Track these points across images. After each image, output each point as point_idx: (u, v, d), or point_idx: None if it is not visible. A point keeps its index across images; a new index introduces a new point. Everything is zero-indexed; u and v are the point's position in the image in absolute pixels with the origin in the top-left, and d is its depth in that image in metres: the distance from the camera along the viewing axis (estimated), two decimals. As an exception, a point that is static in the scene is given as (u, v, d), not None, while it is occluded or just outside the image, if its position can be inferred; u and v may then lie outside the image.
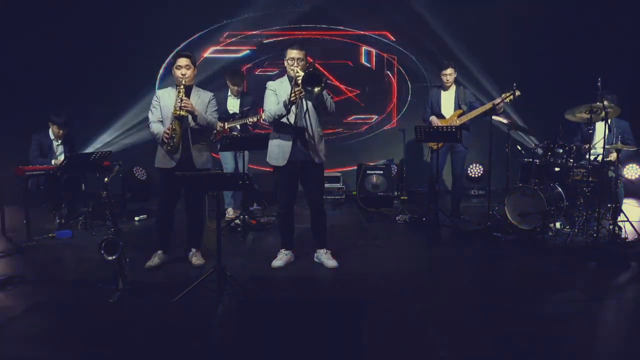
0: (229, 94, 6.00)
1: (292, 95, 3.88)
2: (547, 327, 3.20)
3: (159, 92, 4.27)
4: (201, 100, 4.23)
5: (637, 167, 7.46)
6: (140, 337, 3.09)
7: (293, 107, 3.97)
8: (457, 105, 5.74)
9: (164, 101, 4.18)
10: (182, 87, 4.05)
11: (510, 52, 7.62)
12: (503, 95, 5.38)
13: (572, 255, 4.50)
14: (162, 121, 4.18)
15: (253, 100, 6.04)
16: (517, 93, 5.34)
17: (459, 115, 5.68)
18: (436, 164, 5.69)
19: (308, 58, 4.12)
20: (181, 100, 4.01)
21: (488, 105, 5.48)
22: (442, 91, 5.86)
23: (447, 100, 5.82)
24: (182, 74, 4.08)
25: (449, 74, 5.75)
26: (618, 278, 4.17)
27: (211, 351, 2.92)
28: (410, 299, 3.66)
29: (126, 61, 7.45)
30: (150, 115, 4.24)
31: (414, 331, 3.18)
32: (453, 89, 5.81)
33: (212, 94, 4.36)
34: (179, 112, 4.01)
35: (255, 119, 5.69)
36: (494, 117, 5.40)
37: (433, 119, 5.80)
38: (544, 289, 3.92)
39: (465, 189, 7.72)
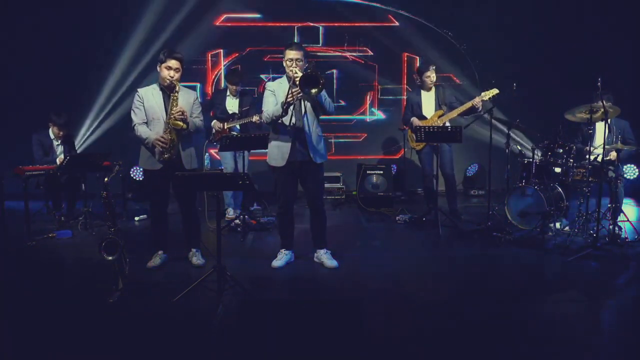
0: (228, 93, 6.00)
1: (289, 96, 3.88)
2: (547, 327, 3.20)
3: (142, 92, 4.10)
4: (186, 101, 4.13)
5: (635, 167, 7.46)
6: (141, 337, 3.09)
7: (291, 108, 3.97)
8: (438, 106, 5.75)
9: (148, 102, 4.07)
10: (176, 94, 3.98)
11: (510, 52, 7.62)
12: (482, 94, 5.41)
13: (572, 255, 4.50)
14: (146, 122, 4.08)
15: (252, 99, 6.04)
16: (496, 91, 5.40)
17: (440, 116, 5.68)
18: (430, 165, 5.71)
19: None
20: (182, 112, 3.96)
21: (468, 105, 5.51)
22: (422, 92, 5.86)
23: (428, 101, 5.82)
24: (170, 76, 3.99)
25: (431, 75, 5.76)
26: (618, 278, 4.16)
27: (211, 351, 2.92)
28: (411, 299, 3.67)
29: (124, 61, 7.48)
30: (134, 117, 4.09)
31: (413, 331, 3.18)
32: (433, 89, 5.82)
33: (196, 93, 4.31)
34: (181, 125, 3.96)
35: (257, 118, 5.68)
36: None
37: (414, 120, 5.79)
38: (544, 289, 3.92)
39: (465, 189, 7.74)
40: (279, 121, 4.04)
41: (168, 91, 4.06)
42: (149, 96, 4.09)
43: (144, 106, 4.07)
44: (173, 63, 4.00)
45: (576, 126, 5.57)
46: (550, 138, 5.27)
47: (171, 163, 4.06)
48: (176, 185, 4.05)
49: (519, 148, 5.59)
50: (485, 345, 2.99)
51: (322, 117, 4.20)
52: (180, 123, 3.97)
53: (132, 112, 4.13)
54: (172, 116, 3.97)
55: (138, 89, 4.15)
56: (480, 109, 5.48)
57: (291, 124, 4.02)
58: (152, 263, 4.25)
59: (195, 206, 4.38)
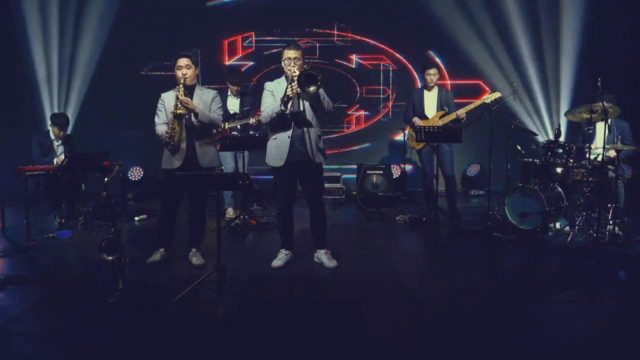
0: (229, 93, 6.00)
1: (289, 90, 3.89)
2: (547, 327, 3.20)
3: (164, 95, 4.25)
4: (203, 100, 4.21)
5: (628, 167, 7.42)
6: (140, 337, 3.09)
7: (290, 105, 3.96)
8: (440, 106, 5.76)
9: (169, 103, 4.16)
10: (181, 86, 4.05)
11: (510, 52, 7.63)
12: (485, 97, 5.46)
13: (572, 255, 4.50)
14: (167, 123, 4.18)
15: (253, 100, 6.04)
16: (499, 95, 5.49)
17: (441, 116, 5.69)
18: (430, 165, 5.71)
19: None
20: (177, 98, 4.01)
21: (452, 115, 5.55)
22: (425, 92, 5.87)
23: (430, 101, 5.83)
24: (182, 74, 4.08)
25: (433, 74, 5.77)
26: (618, 278, 4.16)
27: (211, 351, 2.92)
28: (410, 299, 3.66)
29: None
30: (156, 119, 4.24)
31: (413, 331, 3.18)
32: (435, 90, 5.83)
33: (216, 91, 4.35)
34: (176, 111, 4.01)
35: (255, 120, 5.68)
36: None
37: (416, 119, 5.80)
38: (544, 289, 3.92)
39: (465, 189, 7.74)
40: (278, 121, 4.04)
41: (187, 91, 4.12)
42: (170, 98, 4.19)
43: (164, 108, 4.19)
44: (182, 61, 4.12)
45: (576, 126, 5.57)
46: (550, 138, 5.27)
47: (188, 161, 4.12)
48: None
49: (519, 147, 5.58)
50: (485, 345, 2.99)
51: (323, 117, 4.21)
52: (176, 110, 4.00)
53: (155, 115, 4.25)
54: (174, 105, 4.03)
55: (162, 93, 4.27)
56: (464, 120, 5.55)
57: (290, 124, 4.03)
58: (152, 259, 4.28)
59: (205, 207, 4.40)
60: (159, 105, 4.24)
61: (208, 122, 4.17)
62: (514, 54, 7.62)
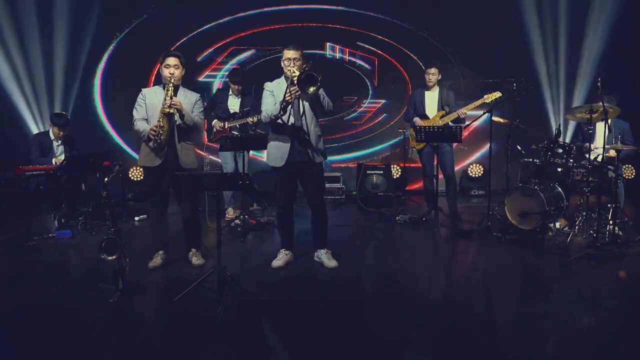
0: (230, 92, 6.01)
1: (288, 94, 3.89)
2: (547, 327, 3.20)
3: (145, 91, 4.22)
4: (188, 100, 4.20)
5: (632, 167, 7.44)
6: (140, 337, 3.09)
7: (290, 107, 3.96)
8: (441, 106, 5.75)
9: (150, 99, 4.15)
10: (171, 85, 4.04)
11: (510, 52, 7.63)
12: (485, 97, 5.46)
13: (572, 255, 4.50)
14: (147, 119, 4.15)
15: (254, 100, 6.04)
16: (499, 94, 5.47)
17: (442, 116, 5.69)
18: (430, 165, 5.71)
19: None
20: (171, 97, 4.00)
21: (454, 115, 5.56)
22: (425, 91, 5.86)
23: (431, 101, 5.82)
24: (170, 73, 4.06)
25: (432, 74, 5.76)
26: (618, 278, 4.16)
27: (211, 351, 2.92)
28: (410, 299, 3.66)
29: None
30: (135, 113, 4.20)
31: (413, 331, 3.17)
32: (436, 89, 5.82)
33: (199, 95, 4.34)
34: (167, 110, 4.00)
35: (255, 119, 5.69)
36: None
37: (417, 120, 5.80)
38: (544, 289, 3.92)
39: (465, 189, 7.74)
40: (278, 121, 4.05)
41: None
42: (152, 94, 4.17)
43: (145, 103, 4.16)
44: (171, 61, 4.09)
45: (576, 126, 5.57)
46: (550, 138, 5.27)
47: (169, 160, 4.11)
48: (175, 185, 4.09)
49: (519, 147, 5.58)
50: (485, 345, 2.99)
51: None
52: (167, 109, 4.00)
53: (134, 109, 4.21)
54: (164, 104, 4.02)
55: (142, 89, 4.24)
56: (465, 119, 5.54)
57: (290, 124, 4.04)
58: (154, 263, 4.26)
59: (197, 206, 4.39)
60: (138, 100, 4.20)
61: (192, 124, 4.17)
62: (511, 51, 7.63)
